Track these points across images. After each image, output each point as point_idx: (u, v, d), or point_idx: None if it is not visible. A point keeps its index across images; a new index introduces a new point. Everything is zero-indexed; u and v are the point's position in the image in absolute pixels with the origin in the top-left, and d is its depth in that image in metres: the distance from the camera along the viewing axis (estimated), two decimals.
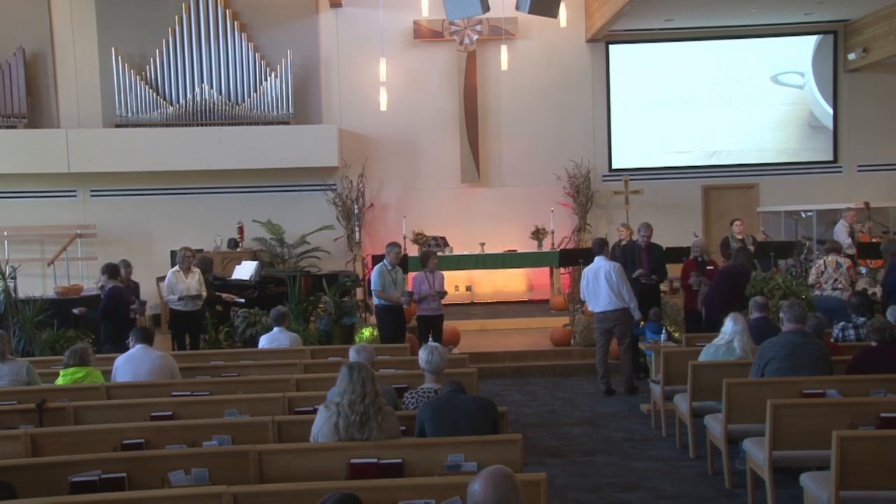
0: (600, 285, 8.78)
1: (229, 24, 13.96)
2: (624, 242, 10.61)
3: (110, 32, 13.96)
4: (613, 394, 8.91)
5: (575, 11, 13.80)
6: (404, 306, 9.38)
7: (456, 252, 13.42)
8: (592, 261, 9.07)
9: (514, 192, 14.41)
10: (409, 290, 9.47)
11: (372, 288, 9.32)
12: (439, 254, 13.03)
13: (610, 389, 8.96)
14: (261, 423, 4.75)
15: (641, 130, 14.70)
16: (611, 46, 14.52)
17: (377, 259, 11.75)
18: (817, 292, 9.36)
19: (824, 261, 9.41)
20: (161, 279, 12.84)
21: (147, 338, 6.50)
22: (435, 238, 13.52)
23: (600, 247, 9.04)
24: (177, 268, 9.48)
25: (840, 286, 9.17)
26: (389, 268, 9.28)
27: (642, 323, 8.85)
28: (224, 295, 10.58)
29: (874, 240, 11.48)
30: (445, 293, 9.53)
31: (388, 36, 13.33)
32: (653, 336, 8.44)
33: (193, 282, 9.50)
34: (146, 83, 13.81)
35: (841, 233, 11.63)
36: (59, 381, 6.16)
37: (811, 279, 9.55)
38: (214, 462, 4.05)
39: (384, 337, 9.26)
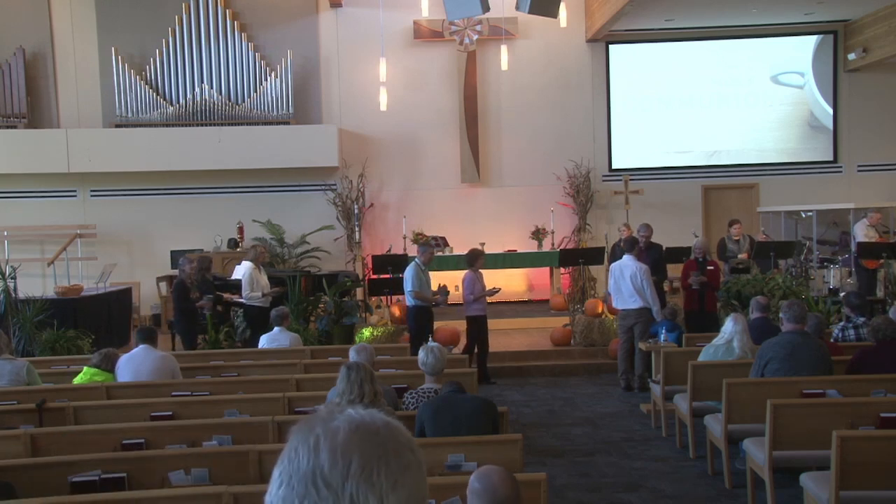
0: (625, 284, 8.88)
1: (229, 24, 13.95)
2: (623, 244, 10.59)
3: (110, 32, 13.95)
4: (633, 390, 8.97)
5: (575, 11, 13.78)
6: (442, 306, 9.34)
7: (456, 252, 13.37)
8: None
9: (514, 192, 14.40)
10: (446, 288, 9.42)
11: (408, 288, 9.01)
12: (438, 254, 13.08)
13: (630, 386, 9.03)
14: (261, 423, 4.75)
15: (641, 130, 14.69)
16: (611, 46, 14.51)
17: (377, 259, 11.75)
18: None
19: None
20: (161, 279, 12.91)
21: (149, 338, 6.51)
22: (435, 238, 13.50)
23: (630, 246, 9.08)
24: (251, 265, 9.48)
25: None
26: (423, 268, 9.08)
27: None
28: (224, 295, 10.56)
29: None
30: (498, 289, 9.61)
31: (388, 36, 13.32)
32: (669, 335, 8.31)
33: (265, 277, 9.75)
34: (146, 83, 13.80)
35: (859, 230, 11.83)
36: (80, 377, 6.23)
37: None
38: (214, 462, 4.05)
39: (419, 340, 8.49)
